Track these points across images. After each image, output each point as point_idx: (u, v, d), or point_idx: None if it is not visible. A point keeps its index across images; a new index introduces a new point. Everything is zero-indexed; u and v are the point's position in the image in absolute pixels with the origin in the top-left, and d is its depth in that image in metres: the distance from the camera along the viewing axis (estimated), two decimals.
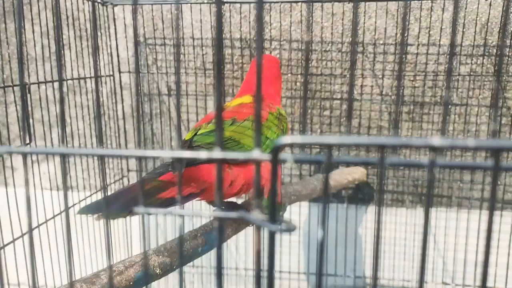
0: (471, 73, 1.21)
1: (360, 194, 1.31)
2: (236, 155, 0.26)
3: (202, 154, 0.27)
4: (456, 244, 1.25)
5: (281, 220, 0.25)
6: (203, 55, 1.29)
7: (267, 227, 0.25)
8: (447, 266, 1.27)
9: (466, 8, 1.18)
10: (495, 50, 1.19)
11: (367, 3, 1.21)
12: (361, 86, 1.26)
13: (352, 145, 0.24)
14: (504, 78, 1.20)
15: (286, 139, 0.24)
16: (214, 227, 0.81)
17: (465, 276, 1.25)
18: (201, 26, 1.27)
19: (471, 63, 1.21)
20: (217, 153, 0.26)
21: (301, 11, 1.24)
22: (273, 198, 0.25)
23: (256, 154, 0.26)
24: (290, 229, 0.25)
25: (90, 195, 1.13)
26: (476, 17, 1.18)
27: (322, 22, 1.25)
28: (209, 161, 0.51)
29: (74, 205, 1.10)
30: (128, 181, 1.36)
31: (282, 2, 1.22)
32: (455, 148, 0.22)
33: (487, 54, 1.20)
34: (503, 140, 0.22)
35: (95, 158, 1.25)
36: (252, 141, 0.76)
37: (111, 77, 1.28)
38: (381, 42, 1.23)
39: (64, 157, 0.30)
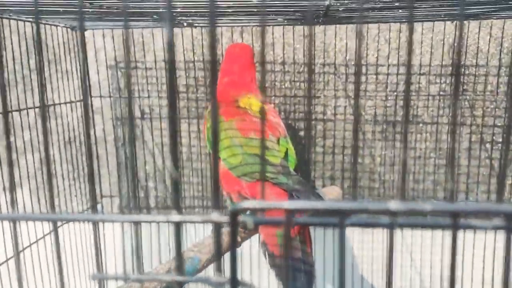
0: (441, 93, 1.23)
1: None
2: (194, 218, 0.26)
3: (158, 218, 0.26)
4: (432, 261, 1.26)
5: (242, 284, 0.25)
6: (176, 78, 1.28)
7: None
8: (424, 283, 1.28)
9: (433, 30, 1.21)
10: (462, 70, 1.22)
11: (337, 25, 1.23)
12: (335, 106, 1.27)
13: (309, 210, 0.23)
14: (472, 97, 1.22)
15: (244, 204, 0.24)
16: (189, 258, 0.80)
17: None
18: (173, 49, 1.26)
19: (440, 82, 1.23)
20: (175, 217, 0.26)
21: (273, 33, 1.25)
22: (234, 261, 0.25)
23: (214, 216, 0.25)
24: None
25: (62, 225, 1.10)
26: (444, 38, 1.21)
27: (294, 44, 1.26)
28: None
29: (45, 236, 1.06)
30: (102, 207, 1.33)
31: (254, 25, 1.22)
32: (412, 212, 0.22)
33: (455, 73, 1.22)
34: (460, 204, 0.22)
35: (77, 182, 1.22)
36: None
37: (82, 102, 1.25)
38: (353, 63, 1.25)
39: None
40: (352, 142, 1.28)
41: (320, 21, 1.08)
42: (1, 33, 1.06)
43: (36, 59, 1.18)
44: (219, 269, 0.26)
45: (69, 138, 1.26)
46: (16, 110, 1.02)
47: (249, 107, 0.89)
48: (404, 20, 1.17)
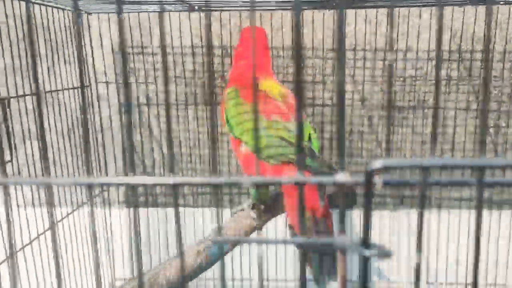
0: (447, 77, 1.25)
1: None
2: (321, 179, 0.25)
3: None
4: (438, 244, 1.28)
5: (375, 245, 0.24)
6: (182, 63, 1.27)
7: (360, 252, 0.24)
8: (430, 265, 1.30)
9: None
10: (468, 55, 1.24)
11: (346, 10, 1.23)
12: None
13: (449, 167, 0.23)
14: (477, 82, 1.24)
15: (379, 162, 0.24)
16: (214, 242, 0.79)
17: (447, 274, 1.29)
18: (180, 35, 1.25)
19: (446, 67, 1.25)
20: (300, 177, 0.25)
21: (281, 17, 1.24)
22: (367, 223, 0.24)
23: (341, 177, 0.25)
24: (386, 254, 0.24)
25: (78, 208, 1.08)
26: (451, 24, 1.22)
27: (302, 29, 1.25)
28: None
29: (62, 219, 1.04)
30: (108, 194, 1.30)
31: (262, 9, 1.21)
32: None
33: (461, 59, 1.24)
34: None
35: (80, 171, 1.20)
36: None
37: (87, 88, 1.23)
38: (360, 48, 1.25)
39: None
40: (359, 127, 1.29)
41: (334, 5, 1.08)
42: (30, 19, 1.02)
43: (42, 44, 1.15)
44: (343, 230, 0.26)
45: (72, 124, 1.23)
46: (26, 95, 0.99)
47: (269, 90, 0.89)
48: (412, 4, 1.18)
